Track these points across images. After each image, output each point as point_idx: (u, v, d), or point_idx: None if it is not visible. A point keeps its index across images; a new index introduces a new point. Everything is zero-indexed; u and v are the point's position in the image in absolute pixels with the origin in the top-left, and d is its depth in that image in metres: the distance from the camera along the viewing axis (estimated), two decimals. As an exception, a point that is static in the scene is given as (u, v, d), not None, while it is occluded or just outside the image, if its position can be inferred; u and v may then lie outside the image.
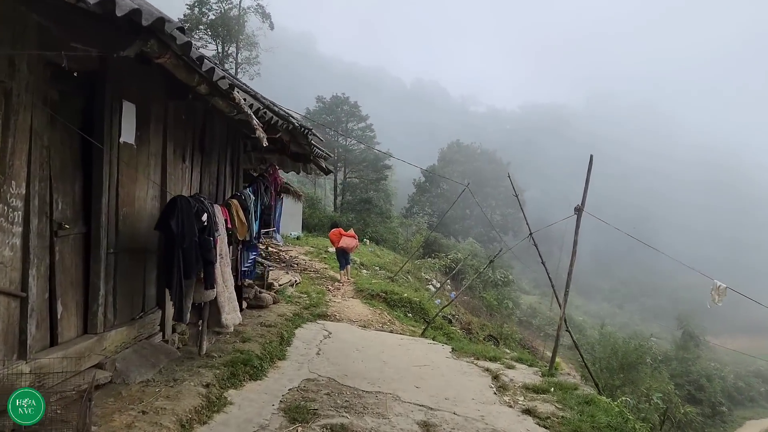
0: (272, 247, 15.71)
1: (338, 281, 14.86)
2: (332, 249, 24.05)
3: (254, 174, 9.45)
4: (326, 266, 18.57)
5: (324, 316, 10.48)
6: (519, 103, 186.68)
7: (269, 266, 13.70)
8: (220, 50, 42.68)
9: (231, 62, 43.13)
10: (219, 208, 5.97)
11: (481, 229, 49.86)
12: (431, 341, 9.77)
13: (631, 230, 12.60)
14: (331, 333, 8.86)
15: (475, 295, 36.01)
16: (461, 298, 33.01)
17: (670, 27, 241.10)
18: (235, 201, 6.56)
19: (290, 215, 31.17)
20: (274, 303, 9.59)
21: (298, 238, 29.88)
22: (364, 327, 10.42)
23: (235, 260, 7.26)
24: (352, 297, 13.39)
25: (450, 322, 16.12)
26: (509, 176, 12.16)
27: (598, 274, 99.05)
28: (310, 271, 15.73)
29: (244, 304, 8.83)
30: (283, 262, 14.89)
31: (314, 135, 7.87)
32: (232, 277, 6.18)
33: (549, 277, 9.98)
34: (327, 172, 9.63)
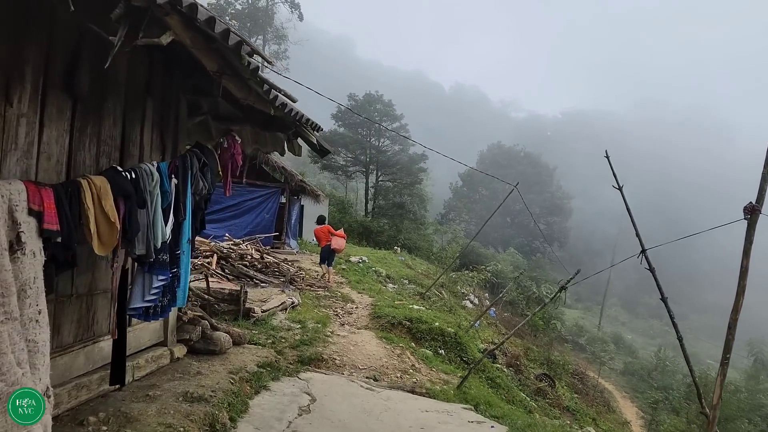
0: (269, 257, 12.61)
1: (321, 278, 13.81)
2: (354, 258, 20.95)
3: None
4: (342, 280, 15.39)
5: (317, 362, 7.28)
6: (561, 109, 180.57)
7: (262, 284, 10.60)
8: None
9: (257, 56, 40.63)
10: (21, 188, 2.79)
11: (522, 238, 45.99)
12: (475, 415, 6.40)
13: (681, 242, 9.74)
14: (315, 399, 5.63)
15: (516, 311, 32.35)
16: (501, 315, 29.50)
17: (714, 28, 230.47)
18: (97, 180, 3.40)
19: (314, 219, 28.26)
20: (236, 345, 6.43)
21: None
22: (375, 379, 7.17)
23: (123, 290, 4.11)
24: (366, 326, 10.14)
25: (494, 358, 12.71)
26: (607, 155, 8.63)
27: (644, 288, 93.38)
28: (318, 288, 12.56)
29: (182, 350, 5.69)
30: (283, 276, 11.76)
31: (287, 98, 4.73)
32: (42, 349, 2.90)
33: (673, 320, 6.60)
34: (321, 150, 6.49)
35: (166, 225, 4.26)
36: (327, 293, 12.27)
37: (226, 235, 14.33)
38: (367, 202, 46.79)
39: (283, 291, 10.44)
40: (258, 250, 12.71)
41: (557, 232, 45.99)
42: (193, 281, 7.50)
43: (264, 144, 7.10)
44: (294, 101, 4.86)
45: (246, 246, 12.54)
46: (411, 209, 44.36)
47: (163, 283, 4.13)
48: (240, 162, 5.78)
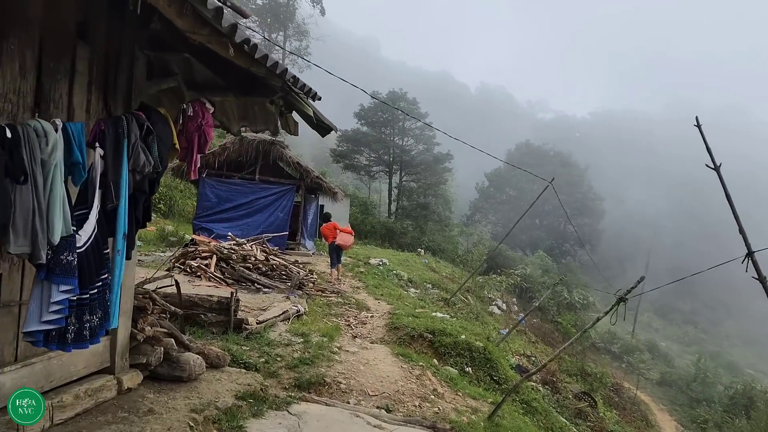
0: (276, 258, 11.35)
1: (329, 280, 13.21)
2: (374, 260, 19.65)
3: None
4: (359, 284, 14.08)
5: (317, 386, 5.97)
6: (590, 110, 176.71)
7: (265, 289, 9.37)
8: (267, 38, 39.40)
9: (278, 51, 39.78)
10: None
11: (551, 241, 44.08)
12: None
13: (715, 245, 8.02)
14: (306, 443, 4.35)
15: (546, 318, 30.65)
16: (529, 321, 27.89)
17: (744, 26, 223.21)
18: None
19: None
20: (213, 368, 5.15)
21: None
22: (387, 409, 5.83)
23: None
24: (382, 339, 8.82)
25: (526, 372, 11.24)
26: (697, 123, 7.11)
27: (678, 293, 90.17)
28: (330, 292, 11.27)
29: (135, 378, 4.43)
30: (289, 279, 10.49)
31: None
32: None
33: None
34: (320, 125, 5.19)
35: (80, 211, 3.00)
36: (340, 299, 10.97)
37: (229, 234, 13.15)
38: (390, 203, 45.52)
39: (288, 297, 9.17)
40: (264, 251, 11.48)
41: (588, 234, 44.01)
42: (164, 287, 6.25)
43: (253, 120, 5.84)
44: (245, 16, 3.56)
45: (250, 246, 11.32)
46: (435, 210, 43.00)
47: (67, 295, 2.85)
48: (211, 136, 4.49)
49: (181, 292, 6.69)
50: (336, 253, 13.76)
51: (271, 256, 11.35)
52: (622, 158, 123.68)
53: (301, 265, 12.50)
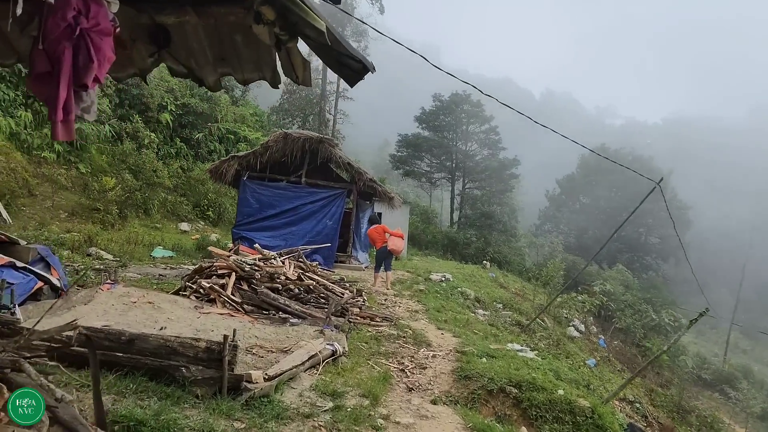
0: (313, 276, 9.05)
1: (374, 287, 12.68)
2: (436, 276, 17.19)
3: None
4: (418, 306, 11.64)
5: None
6: (663, 116, 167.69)
7: (293, 319, 7.15)
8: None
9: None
10: None
11: (630, 253, 40.07)
12: None
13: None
14: None
15: (628, 340, 27.14)
16: (610, 343, 24.66)
17: None
18: None
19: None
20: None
21: (396, 258, 23.26)
22: None
23: None
24: (447, 392, 6.36)
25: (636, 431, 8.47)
26: None
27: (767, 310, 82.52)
28: (380, 320, 8.90)
29: None
30: (325, 305, 8.18)
31: None
32: None
33: None
34: (347, 64, 3.02)
35: None
36: (393, 330, 8.57)
37: (256, 244, 11.04)
38: (452, 212, 42.95)
39: (322, 332, 6.86)
40: (301, 267, 9.23)
41: (674, 247, 39.74)
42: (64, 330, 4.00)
43: (236, 62, 3.57)
44: None
45: (282, 261, 9.09)
46: (500, 219, 40.16)
47: None
48: (107, 53, 2.23)
49: (157, 333, 4.51)
50: (385, 258, 12.93)
51: (309, 273, 9.09)
52: (699, 167, 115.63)
53: (347, 284, 10.21)
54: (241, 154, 16.37)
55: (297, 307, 7.58)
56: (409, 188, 53.45)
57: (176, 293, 7.97)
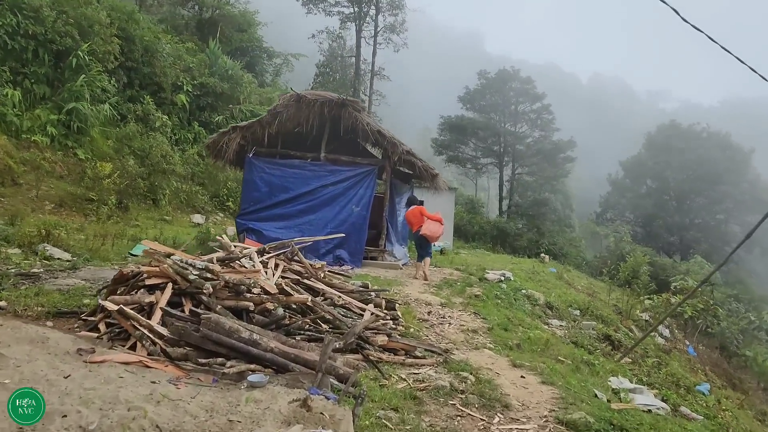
0: (315, 285, 5.68)
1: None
2: (492, 275, 13.64)
3: None
4: (476, 323, 8.13)
5: None
6: (719, 98, 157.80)
7: (249, 381, 3.74)
8: (355, 11, 34.55)
9: (370, 23, 34.77)
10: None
11: (707, 243, 35.34)
12: None
13: None
14: None
15: (711, 344, 22.96)
16: (697, 348, 20.67)
17: None
18: None
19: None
20: None
21: (441, 251, 19.74)
22: None
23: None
24: None
25: None
26: None
27: None
28: (421, 354, 5.49)
29: None
30: (337, 331, 4.82)
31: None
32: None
33: None
34: None
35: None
36: (442, 373, 5.17)
37: (223, 236, 7.72)
38: (501, 200, 39.02)
39: (304, 403, 3.49)
40: (298, 272, 5.89)
41: (759, 235, 34.90)
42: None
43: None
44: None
45: (264, 261, 5.74)
46: (554, 208, 36.19)
47: None
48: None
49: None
50: (422, 245, 11.80)
51: (310, 280, 5.75)
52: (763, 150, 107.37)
53: (372, 294, 6.81)
54: (243, 124, 13.12)
55: (272, 345, 4.24)
56: (452, 176, 49.80)
57: (84, 318, 4.78)
